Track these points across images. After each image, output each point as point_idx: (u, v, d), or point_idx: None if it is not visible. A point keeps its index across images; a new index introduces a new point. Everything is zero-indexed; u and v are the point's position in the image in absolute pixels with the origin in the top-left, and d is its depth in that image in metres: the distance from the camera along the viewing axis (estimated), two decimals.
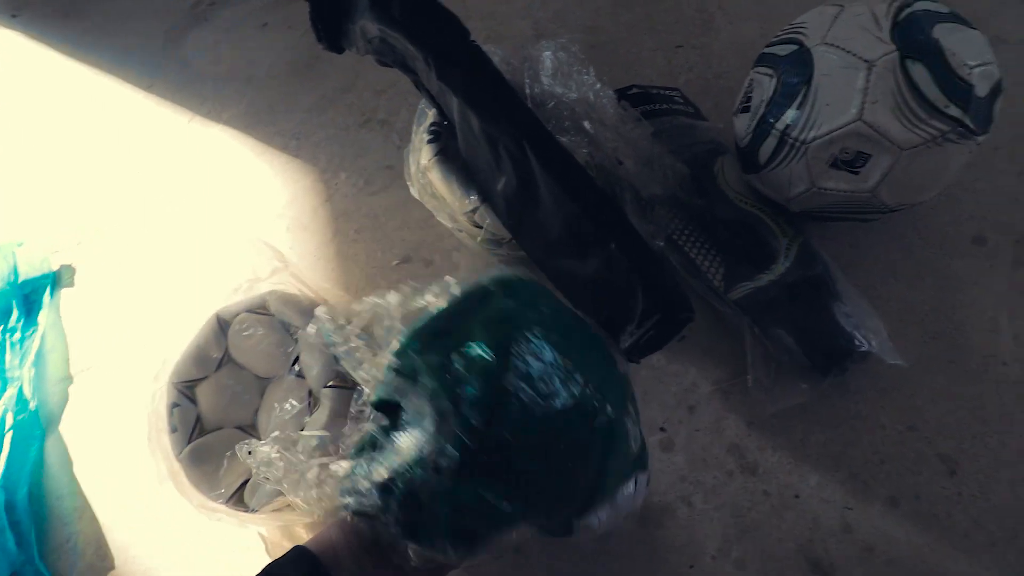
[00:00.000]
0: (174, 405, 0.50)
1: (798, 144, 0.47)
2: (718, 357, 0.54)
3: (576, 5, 0.81)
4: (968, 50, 0.42)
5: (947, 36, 0.42)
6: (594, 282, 0.45)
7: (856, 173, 0.46)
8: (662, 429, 0.51)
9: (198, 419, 0.50)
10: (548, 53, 0.54)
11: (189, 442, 0.49)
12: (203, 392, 0.51)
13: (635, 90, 0.65)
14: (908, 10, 0.43)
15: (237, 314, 0.52)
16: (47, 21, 1.03)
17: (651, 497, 0.48)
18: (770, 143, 0.49)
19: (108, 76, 0.91)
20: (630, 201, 0.55)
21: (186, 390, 0.51)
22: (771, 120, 0.49)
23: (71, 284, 0.71)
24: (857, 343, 0.48)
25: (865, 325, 0.49)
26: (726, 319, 0.53)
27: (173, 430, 0.49)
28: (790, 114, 0.47)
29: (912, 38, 0.42)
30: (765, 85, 0.50)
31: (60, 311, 0.69)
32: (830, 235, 0.57)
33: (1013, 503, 0.46)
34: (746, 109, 0.52)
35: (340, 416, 0.46)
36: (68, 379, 0.65)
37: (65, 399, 0.63)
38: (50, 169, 0.83)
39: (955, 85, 0.42)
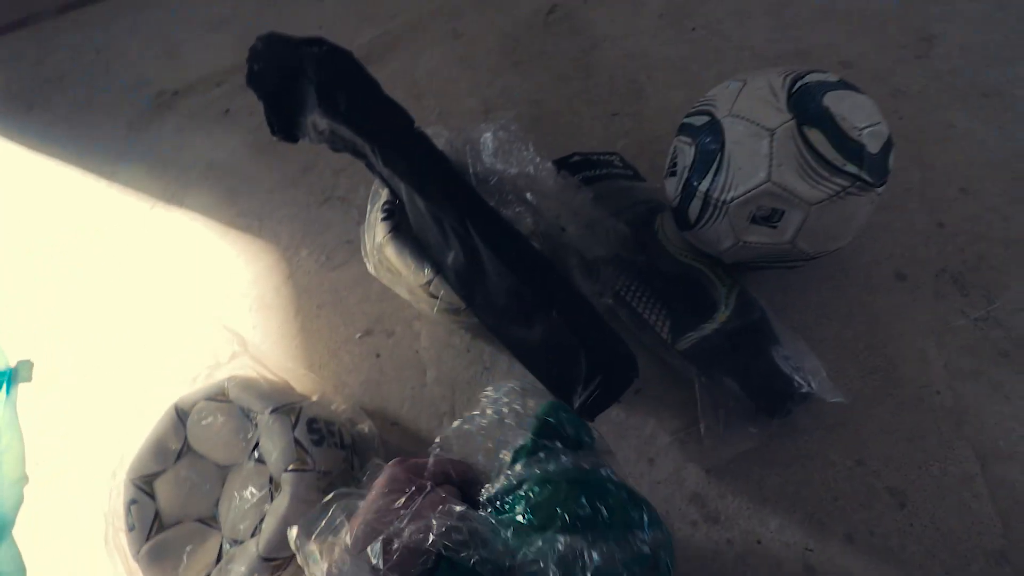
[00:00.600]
0: (131, 502, 0.49)
1: (720, 204, 0.51)
2: (673, 407, 0.56)
3: (520, 81, 0.87)
4: (857, 114, 0.47)
5: (837, 103, 0.47)
6: (542, 347, 0.47)
7: (774, 227, 0.50)
8: None
9: (156, 515, 0.50)
10: (488, 134, 0.58)
11: (148, 539, 0.48)
12: (161, 486, 0.51)
13: (576, 157, 0.69)
14: (801, 82, 0.49)
15: (196, 403, 0.52)
16: (10, 115, 1.06)
17: None
18: (696, 204, 0.54)
19: (71, 167, 0.94)
20: (576, 265, 0.58)
21: (144, 485, 0.50)
22: (695, 183, 0.53)
23: (28, 379, 0.70)
24: (797, 384, 0.51)
25: (804, 367, 0.52)
26: (676, 370, 0.55)
27: (131, 528, 0.48)
28: (708, 178, 0.51)
29: (806, 107, 0.47)
30: (686, 152, 0.54)
31: (17, 408, 0.68)
32: (764, 281, 0.61)
33: (962, 530, 0.48)
34: (673, 173, 0.57)
35: (302, 501, 0.46)
36: (24, 479, 0.63)
37: (19, 500, 0.61)
38: (9, 262, 0.84)
39: (849, 146, 0.47)
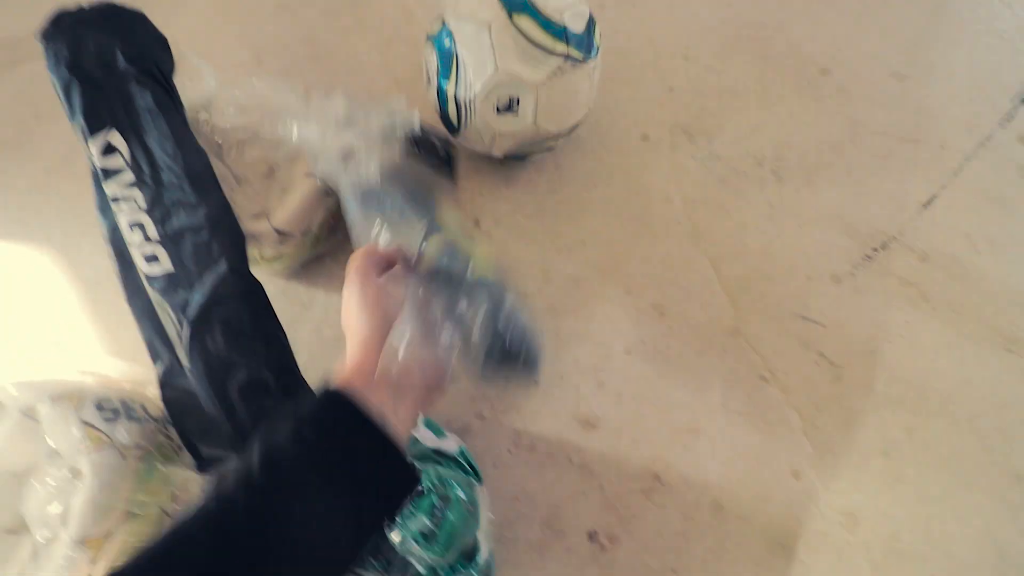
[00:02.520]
0: None
1: (468, 104, 0.56)
2: None
3: (289, 24, 0.85)
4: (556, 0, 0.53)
5: None
6: None
7: (516, 115, 0.56)
8: None
9: None
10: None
11: None
12: None
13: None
14: None
15: None
16: None
17: (450, 424, 0.54)
18: (452, 107, 0.58)
19: None
20: None
21: None
22: (444, 87, 0.58)
23: None
24: None
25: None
26: None
27: None
28: (452, 80, 0.56)
29: None
30: (430, 60, 0.58)
31: None
32: (541, 163, 0.68)
33: (706, 321, 0.60)
34: (429, 82, 0.61)
35: (107, 477, 0.46)
36: None
37: None
38: None
39: (554, 28, 0.54)
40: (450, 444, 0.53)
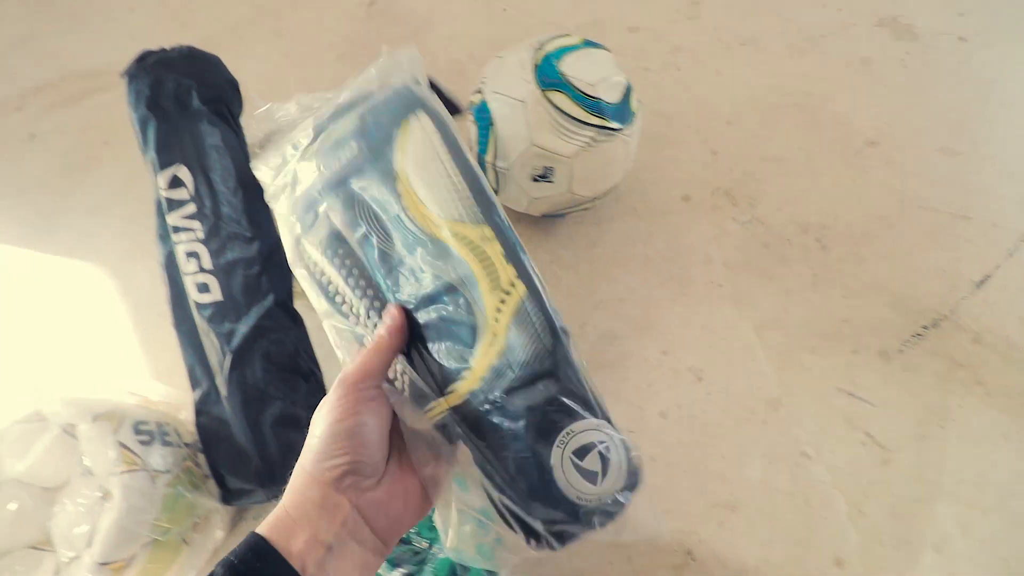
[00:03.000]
0: None
1: (504, 171, 0.58)
2: None
3: (347, 72, 0.90)
4: (593, 72, 0.57)
5: (572, 65, 0.56)
6: None
7: (551, 182, 0.58)
8: None
9: None
10: None
11: None
12: None
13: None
14: (541, 52, 0.57)
15: (6, 430, 0.50)
16: None
17: None
18: (491, 174, 0.60)
19: None
20: None
21: None
22: (483, 156, 0.60)
23: None
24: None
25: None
26: None
27: None
28: (490, 151, 0.58)
29: (545, 75, 0.56)
30: (471, 130, 0.61)
31: None
32: (580, 220, 0.69)
33: (746, 389, 0.59)
34: (471, 148, 0.63)
35: (135, 500, 0.46)
36: None
37: None
38: None
39: (588, 101, 0.55)
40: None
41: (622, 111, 0.58)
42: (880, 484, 0.55)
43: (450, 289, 0.30)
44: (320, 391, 0.55)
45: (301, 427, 0.52)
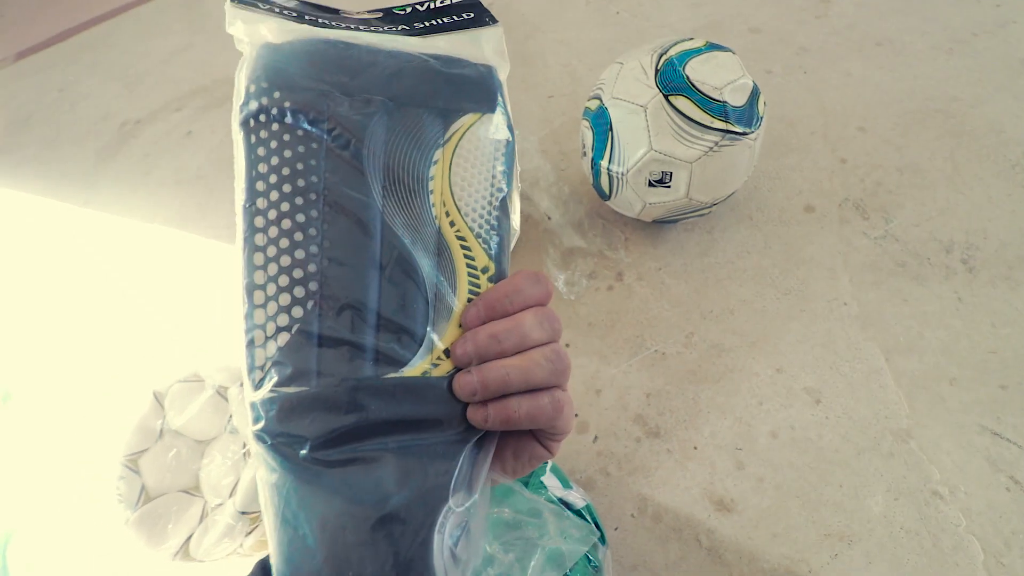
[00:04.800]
0: (120, 479, 0.55)
1: (620, 176, 0.59)
2: (615, 345, 0.62)
3: None
4: (718, 75, 0.55)
5: (697, 69, 0.55)
6: None
7: (668, 187, 0.58)
8: (576, 415, 0.59)
9: (143, 488, 0.55)
10: None
11: (136, 510, 0.54)
12: (146, 463, 0.57)
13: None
14: (664, 57, 0.57)
15: (171, 386, 0.58)
16: None
17: (574, 474, 0.55)
18: (604, 179, 0.61)
19: (46, 198, 0.99)
20: None
21: (130, 464, 0.56)
22: (598, 161, 0.61)
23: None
24: None
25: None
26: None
27: (120, 501, 0.54)
28: (606, 156, 0.59)
29: (669, 80, 0.56)
30: (587, 135, 0.62)
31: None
32: (693, 227, 0.68)
33: (871, 416, 0.55)
34: (584, 155, 0.64)
35: None
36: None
37: None
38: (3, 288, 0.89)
39: (712, 105, 0.55)
40: (576, 497, 0.53)
41: (748, 114, 0.56)
42: None
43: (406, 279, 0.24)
44: None
45: None
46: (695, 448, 0.56)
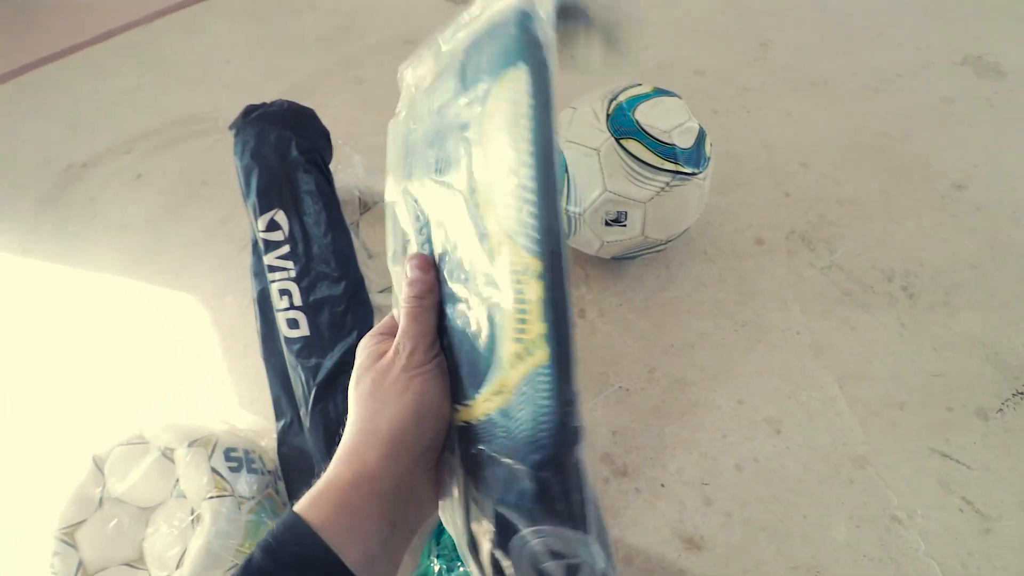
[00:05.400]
0: (54, 554, 0.51)
1: (577, 216, 0.60)
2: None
3: None
4: (664, 120, 0.58)
5: (646, 113, 0.58)
6: None
7: (624, 226, 0.59)
8: None
9: (80, 564, 0.51)
10: None
11: None
12: (84, 536, 0.53)
13: None
14: (614, 102, 0.59)
15: (112, 450, 0.55)
16: None
17: None
18: (563, 219, 0.62)
19: None
20: None
21: (66, 537, 0.52)
22: None
23: None
24: None
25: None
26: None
27: None
28: (563, 196, 0.60)
29: (619, 124, 0.58)
30: None
31: None
32: (651, 262, 0.69)
33: (830, 444, 0.56)
34: None
35: (223, 525, 0.49)
36: None
37: None
38: None
39: (662, 148, 0.57)
40: None
41: (696, 156, 0.59)
42: (980, 555, 0.51)
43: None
44: None
45: None
46: (662, 485, 0.56)
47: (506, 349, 0.24)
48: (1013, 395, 0.59)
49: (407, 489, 0.28)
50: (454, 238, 0.26)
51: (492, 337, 0.24)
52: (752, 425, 0.59)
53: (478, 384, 0.25)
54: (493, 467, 0.25)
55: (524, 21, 0.23)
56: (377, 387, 0.28)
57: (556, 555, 0.24)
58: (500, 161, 0.23)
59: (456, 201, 0.26)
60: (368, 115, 0.99)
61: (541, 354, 0.23)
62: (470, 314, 0.26)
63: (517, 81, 0.23)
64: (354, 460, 0.27)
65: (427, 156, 0.28)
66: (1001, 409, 0.59)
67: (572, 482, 0.24)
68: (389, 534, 0.27)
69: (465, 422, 0.27)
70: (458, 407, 0.27)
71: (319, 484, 0.27)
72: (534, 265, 0.23)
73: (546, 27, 0.23)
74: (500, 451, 0.25)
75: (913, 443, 0.57)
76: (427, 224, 0.29)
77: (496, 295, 0.24)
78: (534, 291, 0.23)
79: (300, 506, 0.27)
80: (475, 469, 0.27)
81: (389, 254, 0.34)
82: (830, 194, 0.75)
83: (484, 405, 0.25)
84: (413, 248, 0.30)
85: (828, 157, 0.79)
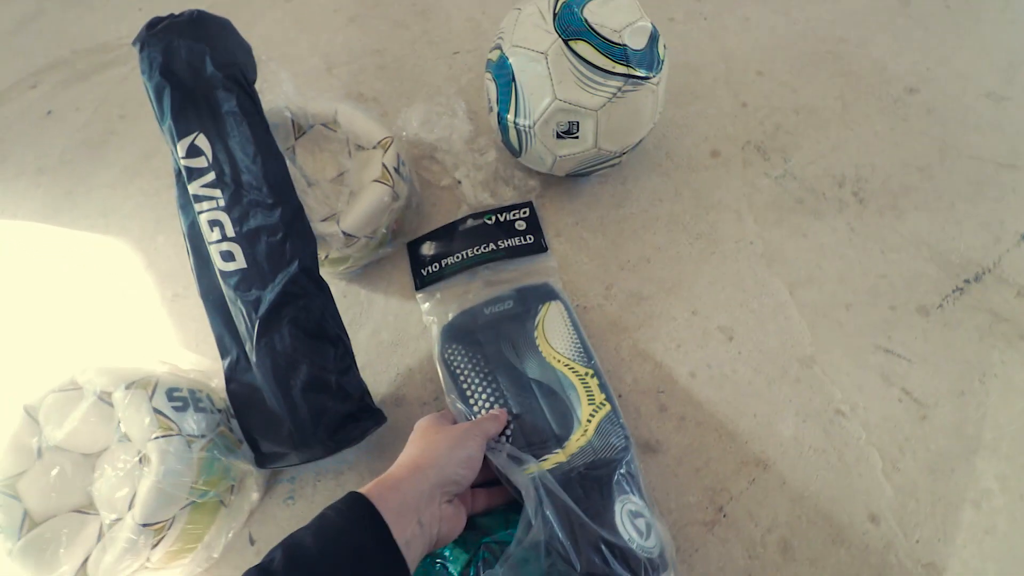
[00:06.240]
0: None
1: (527, 129, 0.56)
2: None
3: (359, 34, 0.88)
4: (614, 18, 0.54)
5: (594, 12, 0.54)
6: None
7: (576, 138, 0.56)
8: None
9: (25, 514, 0.49)
10: None
11: (19, 539, 0.48)
12: (25, 486, 0.50)
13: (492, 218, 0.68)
14: (562, 1, 0.54)
15: (44, 398, 0.51)
16: None
17: None
18: (512, 134, 0.59)
19: None
20: None
21: (6, 489, 0.49)
22: (504, 115, 0.58)
23: None
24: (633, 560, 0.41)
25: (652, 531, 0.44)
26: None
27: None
28: (511, 109, 0.56)
29: (567, 24, 0.53)
30: (491, 88, 0.59)
31: None
32: (607, 177, 0.67)
33: (779, 347, 0.58)
34: (491, 110, 0.61)
35: (173, 464, 0.48)
36: None
37: None
38: None
39: (613, 49, 0.53)
40: None
41: (649, 58, 0.55)
42: (917, 440, 0.55)
43: (551, 393, 0.52)
44: (347, 355, 0.55)
45: (330, 391, 0.53)
46: (619, 396, 0.57)
47: (584, 410, 0.51)
48: (952, 291, 0.61)
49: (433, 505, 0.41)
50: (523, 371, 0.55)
51: (567, 407, 0.51)
52: (705, 334, 0.59)
53: (566, 436, 0.49)
54: (585, 476, 0.46)
55: (552, 285, 0.63)
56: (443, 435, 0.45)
57: (636, 512, 0.45)
58: (559, 332, 0.57)
59: None
60: (302, 37, 0.91)
61: (606, 407, 0.51)
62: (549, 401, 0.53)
63: (557, 306, 0.59)
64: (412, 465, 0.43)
65: None
66: (941, 305, 0.61)
67: (636, 462, 0.50)
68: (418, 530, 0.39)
69: (553, 464, 0.47)
70: (544, 458, 0.47)
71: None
72: (590, 372, 0.53)
73: (560, 289, 0.62)
74: (593, 464, 0.47)
75: (857, 341, 0.59)
76: None
77: (564, 385, 0.53)
78: (593, 382, 0.53)
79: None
80: (567, 487, 0.44)
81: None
82: (787, 103, 0.74)
83: (574, 444, 0.48)
84: None
85: (786, 65, 0.77)
